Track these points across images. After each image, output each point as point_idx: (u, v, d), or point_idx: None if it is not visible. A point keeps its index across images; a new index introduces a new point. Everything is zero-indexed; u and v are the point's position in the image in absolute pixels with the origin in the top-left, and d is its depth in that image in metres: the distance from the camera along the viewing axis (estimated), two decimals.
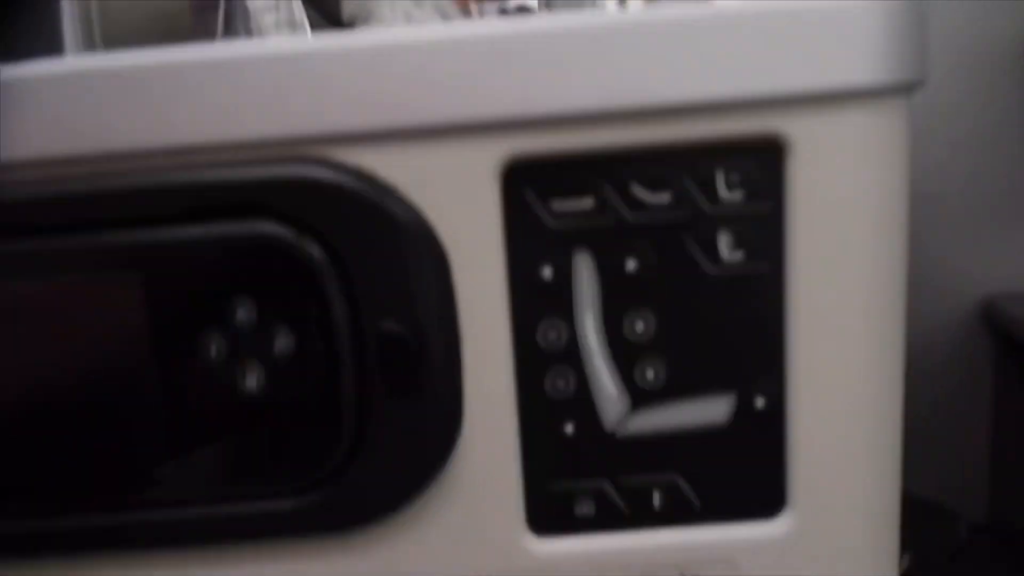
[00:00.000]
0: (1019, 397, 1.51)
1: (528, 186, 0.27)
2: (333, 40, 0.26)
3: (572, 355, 0.28)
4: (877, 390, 0.29)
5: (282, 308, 0.27)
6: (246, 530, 0.29)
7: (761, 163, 0.26)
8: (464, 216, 0.27)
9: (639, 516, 0.30)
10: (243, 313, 0.27)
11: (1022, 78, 1.47)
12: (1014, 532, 1.50)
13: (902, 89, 0.27)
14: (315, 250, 0.26)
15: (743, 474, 0.29)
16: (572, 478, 0.29)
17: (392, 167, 0.26)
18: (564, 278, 0.27)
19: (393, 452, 0.28)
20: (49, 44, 0.44)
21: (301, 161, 0.26)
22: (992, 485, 1.56)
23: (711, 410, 0.28)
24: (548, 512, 0.30)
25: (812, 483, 0.29)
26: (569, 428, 0.29)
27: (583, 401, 0.29)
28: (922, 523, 1.49)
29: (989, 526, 1.54)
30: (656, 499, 0.29)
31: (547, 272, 0.27)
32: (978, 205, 1.53)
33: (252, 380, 0.27)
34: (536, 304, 0.28)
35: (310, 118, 0.26)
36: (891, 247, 0.27)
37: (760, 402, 0.28)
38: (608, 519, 0.30)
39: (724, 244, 0.27)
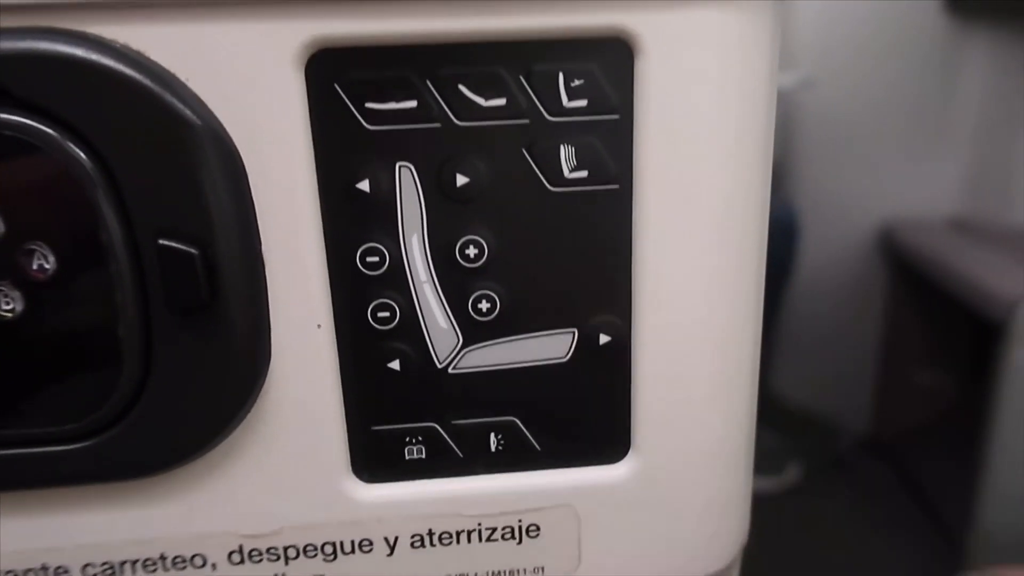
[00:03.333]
0: (908, 319, 1.57)
1: (338, 82, 0.22)
2: None
3: (398, 281, 0.24)
4: (732, 325, 0.26)
5: (40, 221, 0.22)
6: (24, 477, 0.25)
7: (607, 66, 0.23)
8: (260, 113, 0.22)
9: (474, 461, 0.27)
10: None
11: (930, 8, 1.47)
12: (891, 446, 1.59)
13: None
14: (74, 148, 0.21)
15: (585, 415, 0.26)
16: (400, 419, 0.26)
17: (169, 48, 0.22)
18: (386, 192, 0.23)
19: (188, 387, 0.24)
20: None
21: (48, 33, 0.21)
22: (877, 403, 1.63)
23: (551, 346, 0.25)
24: (374, 456, 0.27)
25: (658, 426, 0.26)
26: (395, 364, 0.25)
27: (411, 334, 0.25)
28: (806, 435, 1.56)
29: (870, 440, 1.63)
30: (492, 442, 0.27)
31: (365, 185, 0.23)
32: (881, 133, 1.55)
33: (8, 306, 0.23)
34: (354, 222, 0.24)
35: None
36: (752, 165, 0.24)
37: (604, 337, 0.25)
38: (441, 464, 0.27)
39: (566, 159, 0.23)
